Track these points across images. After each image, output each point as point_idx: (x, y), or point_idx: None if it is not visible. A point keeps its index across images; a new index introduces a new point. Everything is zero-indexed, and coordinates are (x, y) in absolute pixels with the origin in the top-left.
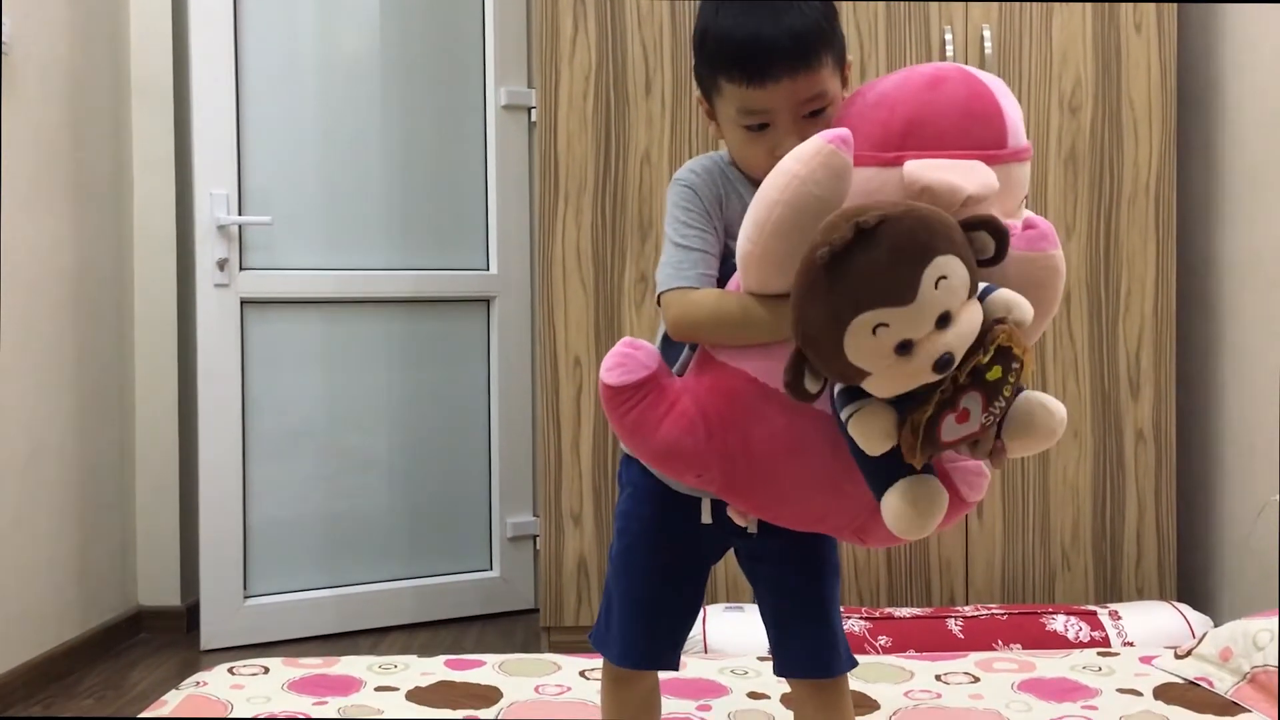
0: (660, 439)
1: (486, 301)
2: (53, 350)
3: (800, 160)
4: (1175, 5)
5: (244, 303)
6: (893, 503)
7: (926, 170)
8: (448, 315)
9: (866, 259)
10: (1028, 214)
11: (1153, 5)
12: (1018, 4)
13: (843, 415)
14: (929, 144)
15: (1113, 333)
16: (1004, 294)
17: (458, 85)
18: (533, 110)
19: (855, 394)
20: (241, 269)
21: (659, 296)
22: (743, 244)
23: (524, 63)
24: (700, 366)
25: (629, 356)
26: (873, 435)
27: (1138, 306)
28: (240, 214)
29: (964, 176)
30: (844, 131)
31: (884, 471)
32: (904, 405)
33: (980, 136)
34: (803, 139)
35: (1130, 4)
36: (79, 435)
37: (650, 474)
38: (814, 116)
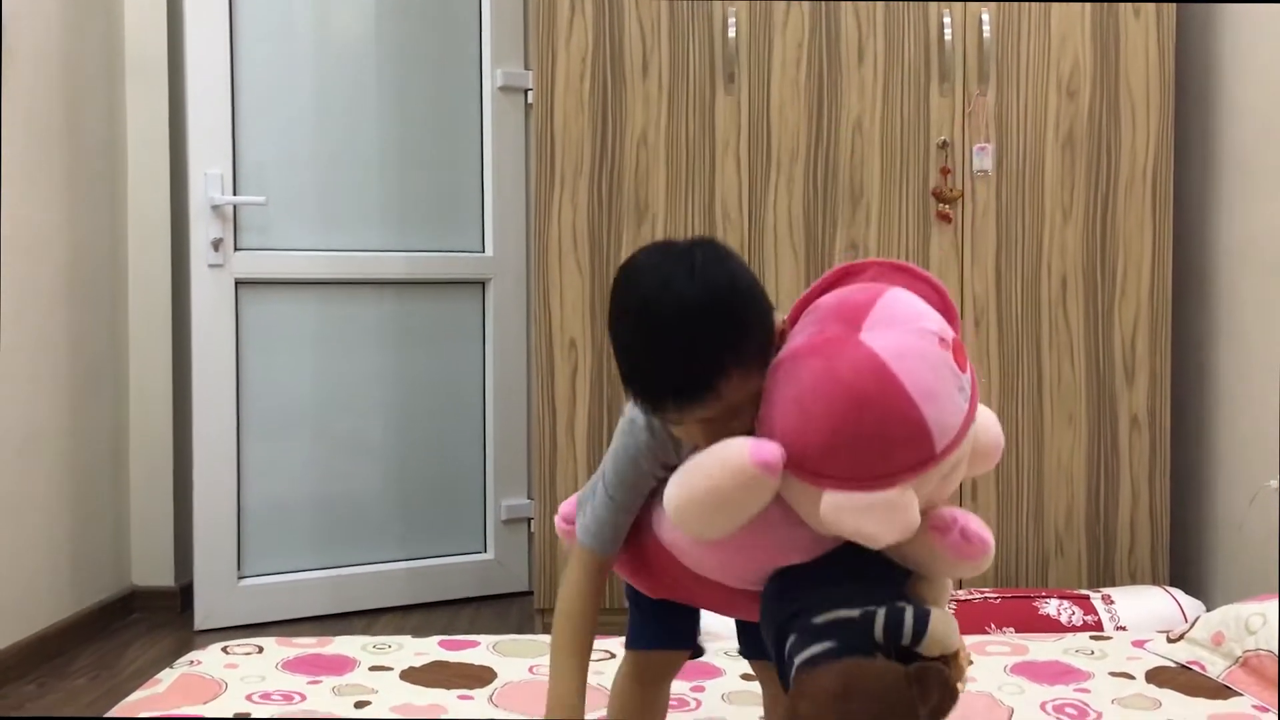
0: (619, 571)
1: (482, 284)
2: (46, 331)
3: (725, 470)
4: None
5: (238, 283)
6: None
7: (843, 517)
8: (443, 297)
9: None
10: (967, 520)
11: None
12: None
13: None
14: (850, 471)
15: (1108, 318)
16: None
17: (454, 67)
18: (529, 92)
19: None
20: (236, 249)
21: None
22: (670, 514)
23: (520, 44)
24: (639, 529)
25: (566, 533)
26: None
27: (1134, 292)
28: (235, 194)
29: (882, 523)
30: (774, 454)
31: None
32: None
33: (905, 459)
34: (722, 436)
35: None
36: (72, 416)
37: None
38: (731, 418)
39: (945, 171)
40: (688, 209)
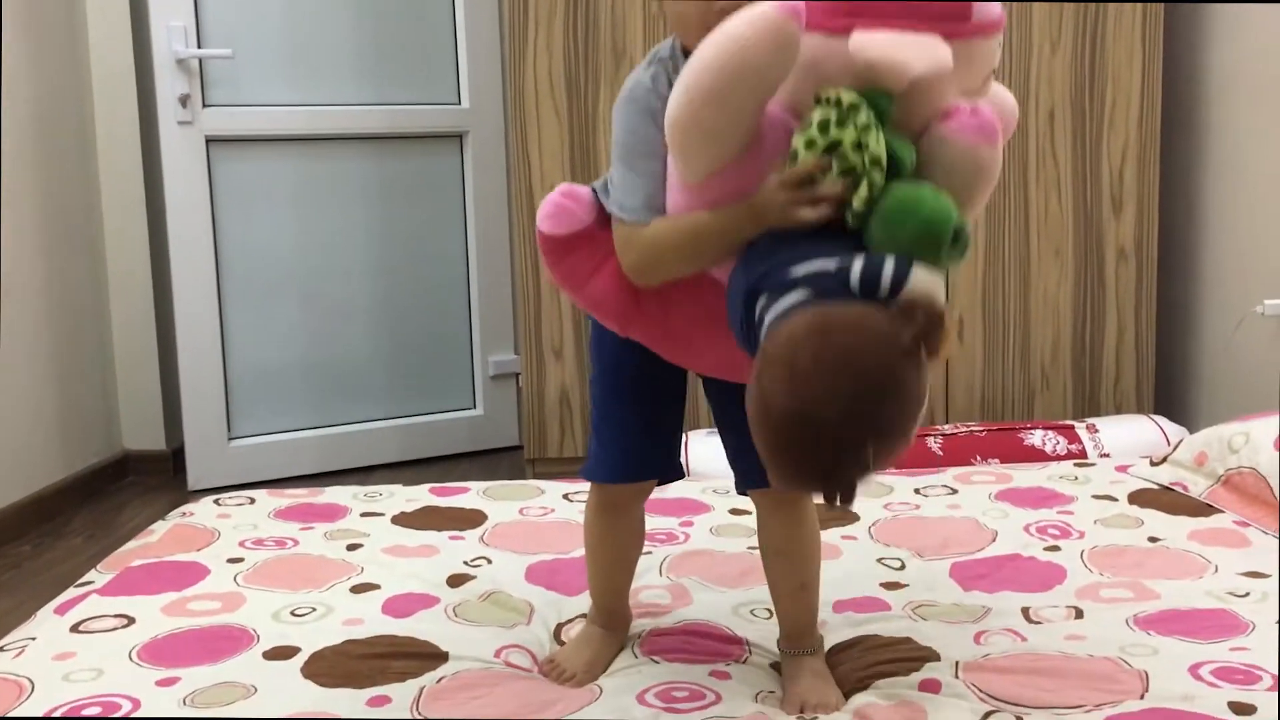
0: (589, 292)
1: (460, 136)
2: (13, 186)
3: (748, 24)
4: None
5: (209, 141)
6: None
7: (872, 45)
8: (421, 151)
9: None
10: (981, 104)
11: None
12: None
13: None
14: (883, 15)
15: (1096, 148)
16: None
17: None
18: None
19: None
20: (205, 106)
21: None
22: (673, 108)
23: None
24: None
25: (562, 208)
26: None
27: (1122, 122)
28: (200, 48)
29: (913, 53)
30: (798, 2)
31: None
32: None
33: (940, 9)
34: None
35: None
36: (49, 279)
37: None
38: None
39: None
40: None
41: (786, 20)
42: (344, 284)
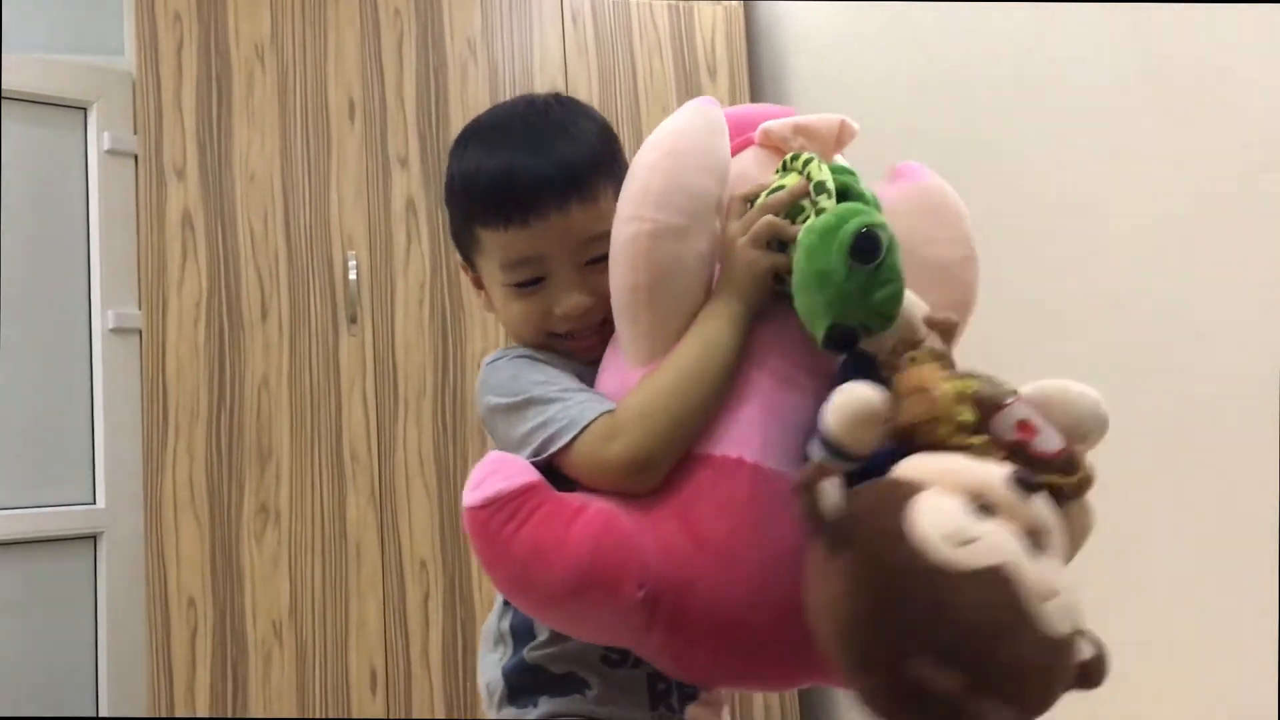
0: (573, 551)
1: (94, 538)
2: None
3: (675, 123)
4: None
5: None
6: None
7: (785, 123)
8: (49, 556)
9: None
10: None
11: None
12: None
13: None
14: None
15: None
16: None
17: (61, 307)
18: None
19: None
20: None
21: (567, 449)
22: (625, 250)
23: (135, 285)
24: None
25: (504, 462)
26: None
27: None
28: None
29: (818, 117)
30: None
31: None
32: None
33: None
34: (588, 294)
35: None
36: None
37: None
38: (599, 263)
39: None
40: (314, 451)
41: (709, 104)
42: None
